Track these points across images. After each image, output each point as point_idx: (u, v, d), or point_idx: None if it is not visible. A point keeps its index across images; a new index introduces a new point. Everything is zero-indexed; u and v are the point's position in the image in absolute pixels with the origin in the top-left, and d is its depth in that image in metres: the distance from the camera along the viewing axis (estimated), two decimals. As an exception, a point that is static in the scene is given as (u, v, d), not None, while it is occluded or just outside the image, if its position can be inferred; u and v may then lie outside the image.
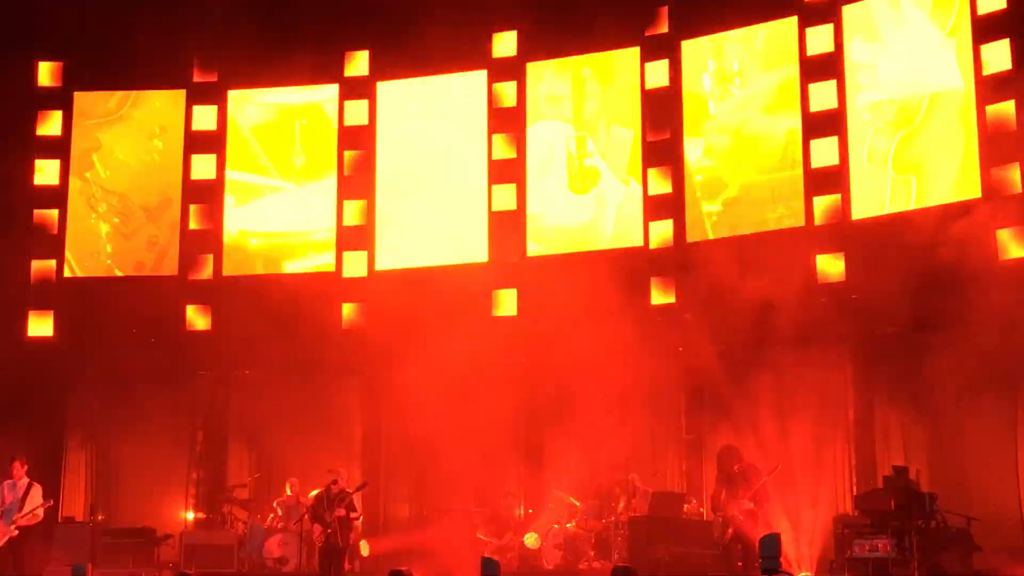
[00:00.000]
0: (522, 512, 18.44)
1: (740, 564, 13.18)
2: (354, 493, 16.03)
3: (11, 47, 19.94)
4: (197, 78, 21.08)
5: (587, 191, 19.92)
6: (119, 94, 21.18)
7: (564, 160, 20.09)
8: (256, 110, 21.26)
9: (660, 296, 18.91)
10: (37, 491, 15.18)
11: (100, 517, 18.01)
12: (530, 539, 17.38)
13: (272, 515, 18.14)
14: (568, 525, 17.30)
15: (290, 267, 20.78)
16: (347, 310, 20.16)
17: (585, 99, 20.17)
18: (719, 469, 13.58)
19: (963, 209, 16.33)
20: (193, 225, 20.76)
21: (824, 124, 18.09)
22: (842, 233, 17.73)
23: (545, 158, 20.20)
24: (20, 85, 20.58)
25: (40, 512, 15.15)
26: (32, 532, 15.51)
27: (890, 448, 17.09)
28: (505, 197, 20.09)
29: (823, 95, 18.14)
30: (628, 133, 19.69)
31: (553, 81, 20.33)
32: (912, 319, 16.61)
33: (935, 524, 14.21)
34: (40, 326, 20.28)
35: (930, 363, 16.07)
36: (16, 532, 14.95)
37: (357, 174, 20.75)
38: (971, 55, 16.82)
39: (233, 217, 20.93)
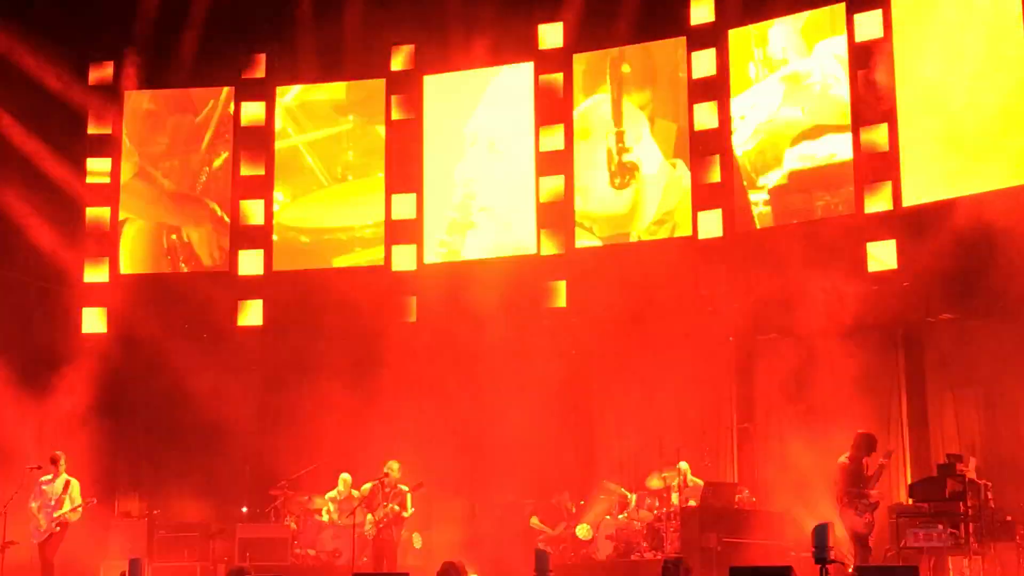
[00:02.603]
0: (573, 504, 18.43)
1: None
2: (411, 492, 16.10)
3: (63, 47, 20.13)
4: (245, 75, 21.23)
5: (627, 186, 19.87)
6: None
7: (604, 155, 20.05)
8: (306, 115, 21.41)
9: (709, 285, 18.83)
10: (76, 487, 15.33)
11: (155, 512, 18.18)
12: (582, 530, 17.41)
13: (325, 508, 18.25)
14: (620, 516, 17.32)
15: (340, 262, 20.87)
16: (396, 304, 20.23)
17: (624, 93, 20.11)
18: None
19: (1016, 194, 16.16)
20: (243, 221, 20.95)
21: (875, 110, 17.93)
22: (893, 220, 17.57)
23: (589, 152, 20.18)
24: (72, 85, 20.76)
25: (80, 509, 15.30)
26: (87, 527, 15.72)
27: (944, 437, 16.95)
28: (553, 189, 20.09)
29: (876, 81, 17.97)
30: (671, 125, 19.64)
31: (594, 75, 20.29)
32: (965, 306, 16.46)
33: (990, 513, 14.08)
34: (94, 322, 20.53)
35: (984, 350, 15.95)
36: (57, 528, 15.12)
37: (404, 168, 20.82)
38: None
39: (283, 213, 21.10)
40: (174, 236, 21.24)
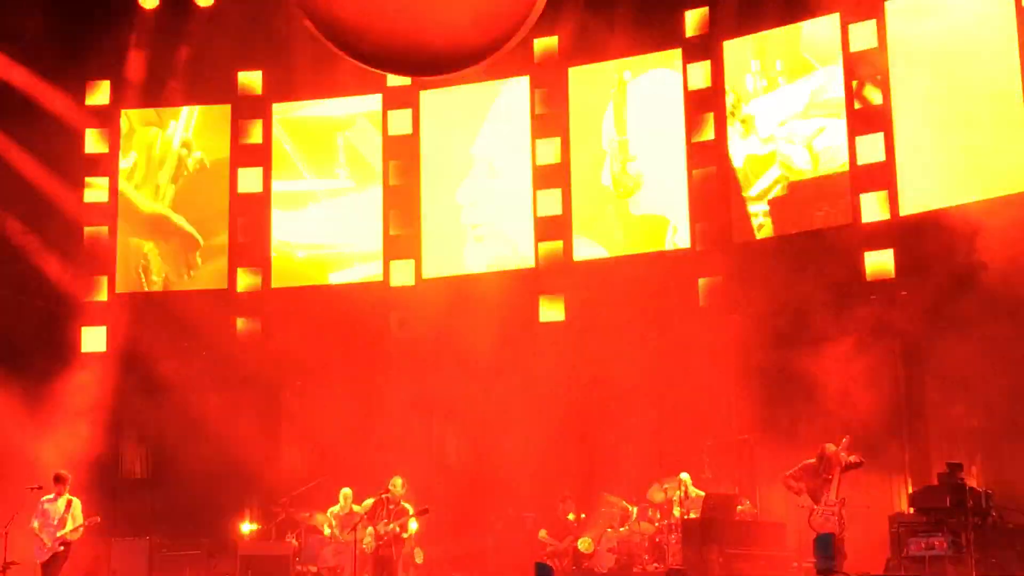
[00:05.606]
0: (574, 517, 18.43)
1: None
2: (415, 516, 16.04)
3: (60, 67, 20.18)
4: (242, 92, 21.26)
5: (630, 195, 19.89)
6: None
7: (607, 164, 20.07)
8: (299, 125, 21.43)
9: (708, 297, 18.83)
10: (77, 506, 15.29)
11: (157, 530, 18.21)
12: (583, 543, 17.38)
13: (326, 524, 18.22)
14: (621, 529, 17.29)
15: (337, 278, 20.88)
16: (396, 318, 20.25)
17: (626, 102, 20.13)
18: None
19: (1013, 202, 16.16)
20: (241, 238, 20.97)
21: (870, 120, 17.95)
22: (891, 230, 17.58)
23: (590, 162, 20.20)
24: (69, 104, 20.79)
25: (82, 528, 15.28)
26: (90, 545, 15.67)
27: (944, 445, 16.93)
28: (550, 202, 20.11)
29: (870, 91, 17.99)
30: (668, 134, 19.67)
31: (594, 85, 20.31)
32: (964, 314, 16.45)
33: (992, 521, 14.07)
34: (93, 341, 20.54)
35: (983, 359, 15.93)
36: (61, 548, 15.10)
37: (402, 183, 20.84)
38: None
39: (280, 230, 21.11)
40: (145, 251, 21.28)
